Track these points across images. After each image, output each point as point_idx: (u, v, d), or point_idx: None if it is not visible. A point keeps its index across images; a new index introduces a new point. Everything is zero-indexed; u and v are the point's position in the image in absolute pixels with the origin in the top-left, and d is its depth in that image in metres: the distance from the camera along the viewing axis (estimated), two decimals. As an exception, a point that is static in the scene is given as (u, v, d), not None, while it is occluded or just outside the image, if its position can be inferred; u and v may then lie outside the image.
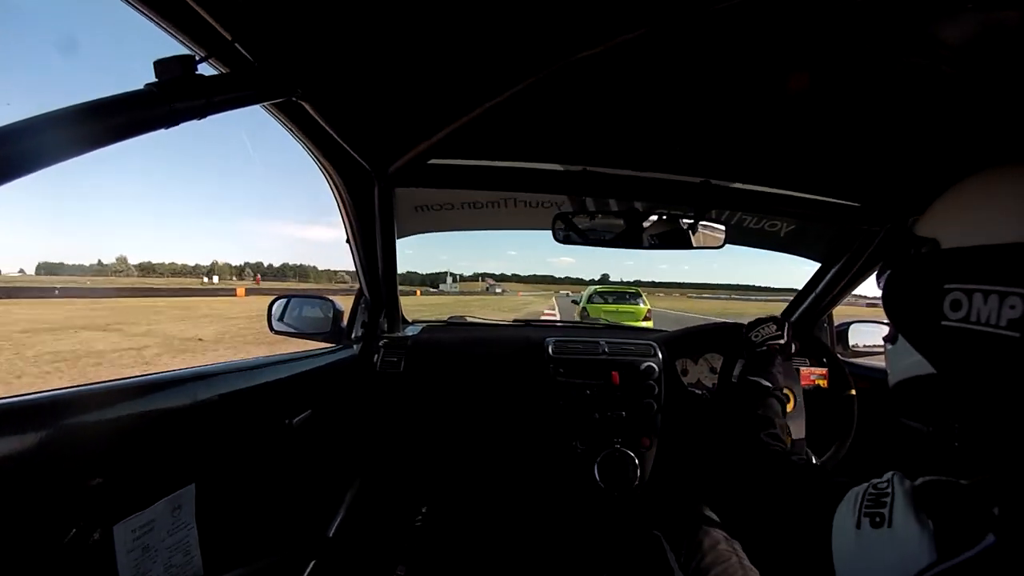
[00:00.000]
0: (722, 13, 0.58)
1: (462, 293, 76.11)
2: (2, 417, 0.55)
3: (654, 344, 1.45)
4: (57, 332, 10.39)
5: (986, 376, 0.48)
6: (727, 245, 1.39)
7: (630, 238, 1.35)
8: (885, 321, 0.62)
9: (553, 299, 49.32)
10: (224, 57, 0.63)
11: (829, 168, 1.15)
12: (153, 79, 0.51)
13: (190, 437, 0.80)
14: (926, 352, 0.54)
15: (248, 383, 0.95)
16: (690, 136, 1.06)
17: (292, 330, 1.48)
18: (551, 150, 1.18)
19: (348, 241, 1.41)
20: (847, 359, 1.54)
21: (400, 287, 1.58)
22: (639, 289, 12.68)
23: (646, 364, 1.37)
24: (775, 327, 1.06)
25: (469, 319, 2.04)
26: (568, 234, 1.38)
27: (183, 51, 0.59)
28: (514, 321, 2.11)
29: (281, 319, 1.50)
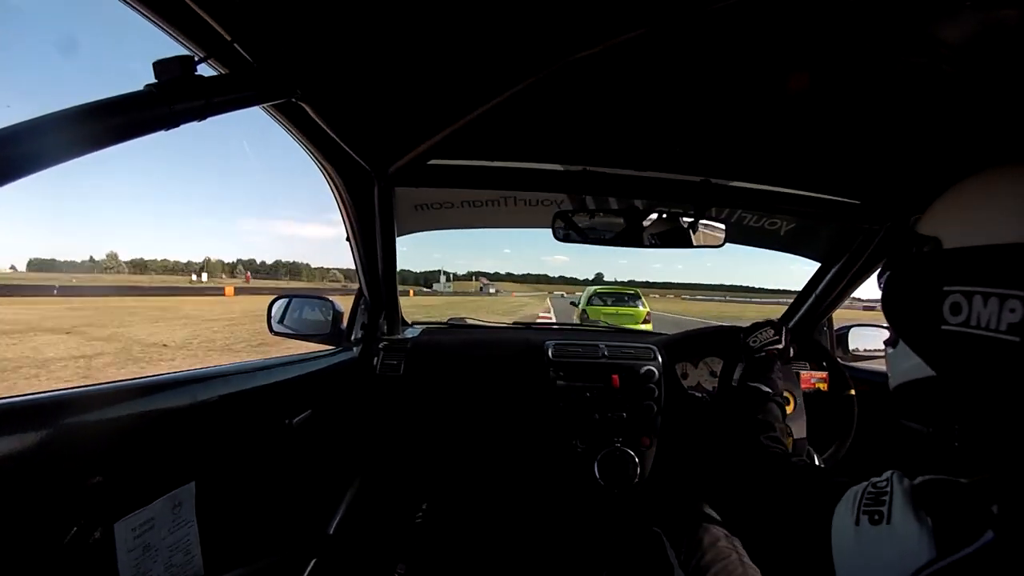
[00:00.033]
0: (721, 12, 0.58)
1: (455, 293, 74.77)
2: (3, 417, 0.55)
3: (654, 347, 1.45)
4: (14, 336, 9.69)
5: (987, 381, 0.48)
6: (724, 245, 1.39)
7: (630, 237, 1.35)
8: (885, 325, 0.62)
9: (548, 300, 48.78)
10: (223, 58, 0.63)
11: (829, 166, 1.15)
12: (152, 80, 0.51)
13: (190, 437, 0.80)
14: (927, 357, 0.54)
15: (248, 385, 0.96)
16: (690, 135, 1.06)
17: (292, 331, 1.48)
18: (551, 150, 1.19)
19: (348, 240, 1.41)
20: (847, 363, 1.54)
21: (395, 286, 1.58)
22: (638, 291, 12.64)
23: (646, 367, 1.38)
24: (773, 332, 1.06)
25: (469, 321, 2.04)
26: (568, 232, 1.38)
27: (182, 51, 0.60)
28: (514, 323, 2.11)
29: (281, 321, 1.49)
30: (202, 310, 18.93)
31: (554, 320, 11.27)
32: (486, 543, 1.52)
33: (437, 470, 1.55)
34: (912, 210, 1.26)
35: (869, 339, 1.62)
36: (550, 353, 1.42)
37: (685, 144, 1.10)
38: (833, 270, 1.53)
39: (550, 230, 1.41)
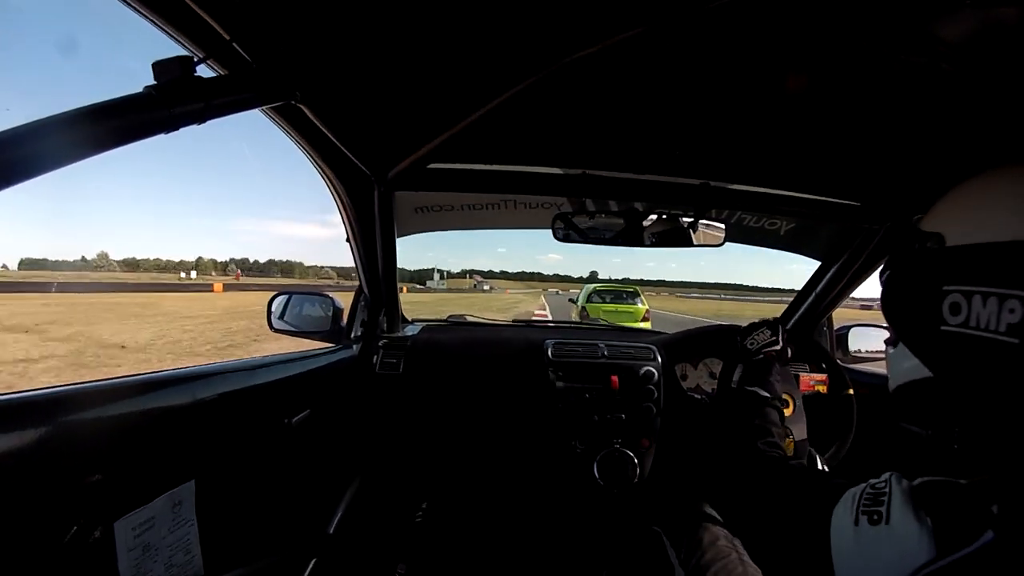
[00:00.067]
0: (718, 11, 0.58)
1: (449, 290, 74.21)
2: (2, 414, 0.55)
3: (653, 347, 1.45)
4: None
5: (986, 383, 0.47)
6: (724, 245, 1.39)
7: (630, 237, 1.35)
8: (885, 325, 0.61)
9: (542, 297, 48.44)
10: (222, 58, 0.63)
11: (828, 167, 1.15)
12: (151, 82, 0.51)
13: (189, 435, 0.80)
14: (925, 358, 0.53)
15: (247, 383, 0.96)
16: (689, 138, 1.06)
17: (292, 328, 1.48)
18: (550, 154, 1.19)
19: (348, 241, 1.41)
20: (847, 364, 1.54)
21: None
22: (637, 288, 12.63)
23: (645, 368, 1.38)
24: (769, 332, 1.06)
25: (469, 318, 2.04)
26: (568, 233, 1.38)
27: (181, 52, 0.59)
28: (514, 321, 2.11)
29: (281, 317, 1.49)
30: (182, 307, 18.53)
31: (550, 317, 11.27)
32: (486, 542, 1.52)
33: (437, 470, 1.55)
34: (912, 210, 1.25)
35: (869, 339, 1.62)
36: (550, 353, 1.42)
37: (684, 147, 1.10)
38: (833, 269, 1.53)
39: (547, 230, 1.41)
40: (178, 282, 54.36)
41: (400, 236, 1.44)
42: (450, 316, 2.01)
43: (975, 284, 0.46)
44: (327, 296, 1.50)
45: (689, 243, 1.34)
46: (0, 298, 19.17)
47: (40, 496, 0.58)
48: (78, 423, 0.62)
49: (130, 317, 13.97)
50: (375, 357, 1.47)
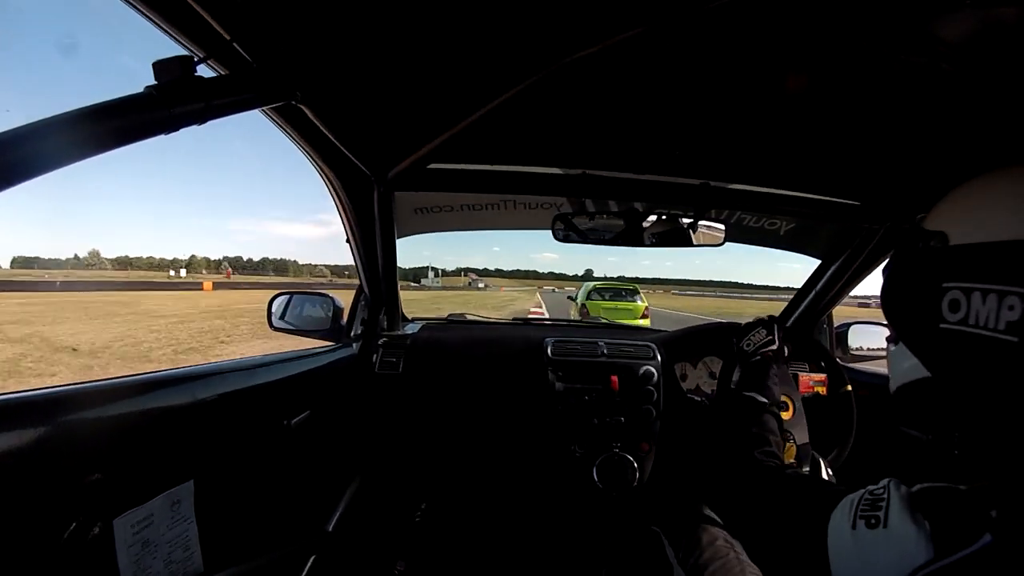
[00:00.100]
0: (719, 11, 0.58)
1: (444, 288, 73.45)
2: (2, 413, 0.56)
3: (653, 346, 1.45)
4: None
5: (985, 382, 0.47)
6: (724, 244, 1.39)
7: (630, 237, 1.35)
8: (885, 322, 0.61)
9: (538, 295, 47.90)
10: (223, 58, 0.63)
11: (828, 167, 1.15)
12: (152, 82, 0.51)
13: (189, 435, 0.81)
14: (923, 355, 0.53)
15: (247, 383, 0.96)
16: (689, 138, 1.06)
17: (292, 327, 1.49)
18: (550, 154, 1.19)
19: (348, 242, 1.41)
20: (847, 363, 1.54)
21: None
22: (636, 286, 12.69)
23: (645, 368, 1.37)
24: (765, 332, 1.05)
25: (469, 317, 2.04)
26: (568, 234, 1.38)
27: (181, 52, 0.60)
28: (514, 320, 2.11)
29: (282, 317, 1.50)
30: (161, 306, 17.98)
31: (547, 315, 11.33)
32: (485, 542, 1.53)
33: (436, 469, 1.55)
34: (912, 210, 1.25)
35: (869, 337, 1.61)
36: (549, 351, 1.42)
37: (684, 147, 1.10)
38: (833, 267, 1.53)
39: (542, 230, 1.41)
40: (167, 280, 53.22)
41: (400, 237, 1.44)
42: (450, 315, 2.01)
43: (975, 281, 0.46)
44: (327, 296, 1.51)
45: (689, 243, 1.34)
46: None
47: (40, 494, 0.59)
48: (78, 423, 0.62)
49: (102, 316, 13.52)
50: (375, 356, 1.47)
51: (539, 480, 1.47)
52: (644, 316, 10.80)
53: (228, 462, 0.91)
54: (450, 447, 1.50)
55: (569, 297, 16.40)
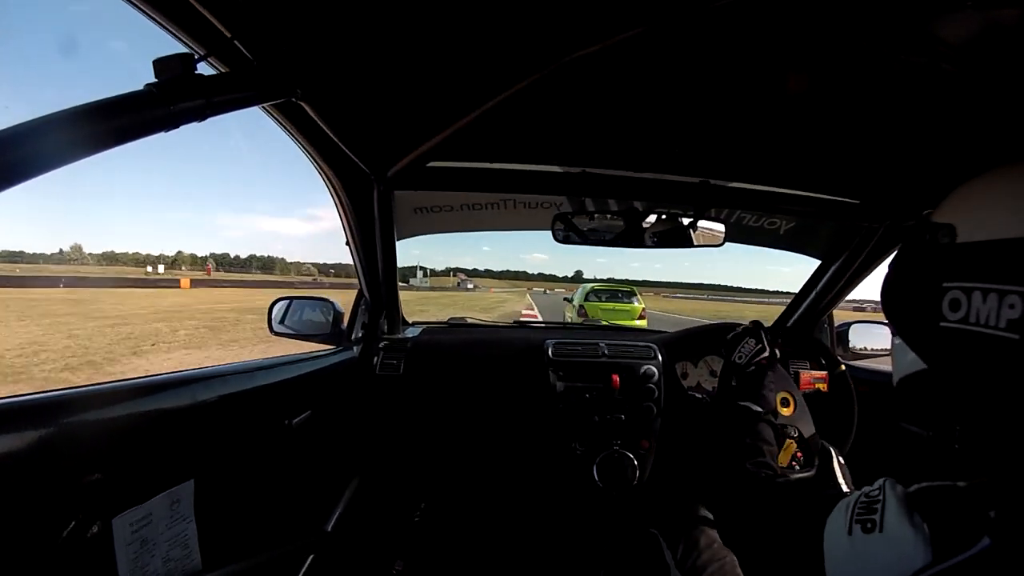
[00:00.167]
0: (720, 11, 0.58)
1: (432, 288, 72.61)
2: (3, 416, 0.56)
3: (654, 346, 1.45)
4: None
5: (985, 380, 0.47)
6: (724, 244, 1.39)
7: (630, 237, 1.35)
8: (886, 322, 0.61)
9: (528, 296, 47.45)
10: (223, 56, 0.63)
11: (828, 166, 1.15)
12: (152, 80, 0.51)
13: (189, 436, 0.81)
14: (925, 354, 0.53)
15: (248, 385, 0.96)
16: (688, 136, 1.06)
17: (292, 332, 1.49)
18: (550, 152, 1.19)
19: (348, 244, 1.41)
20: (848, 362, 1.54)
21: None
22: (634, 288, 12.80)
23: (645, 367, 1.37)
24: (754, 341, 1.05)
25: (469, 320, 2.05)
26: (568, 234, 1.38)
27: (182, 49, 0.60)
28: (514, 322, 2.12)
29: (282, 321, 1.50)
30: (117, 305, 16.77)
31: (540, 318, 11.35)
32: (484, 542, 1.52)
33: (436, 470, 1.55)
34: (911, 209, 1.26)
35: (870, 336, 1.61)
36: (550, 352, 1.42)
37: (684, 145, 1.10)
38: (833, 267, 1.53)
39: (542, 230, 1.41)
40: (144, 277, 51.02)
41: (400, 239, 1.44)
42: (451, 318, 2.02)
43: (975, 281, 0.46)
44: (327, 300, 1.51)
45: (690, 243, 1.34)
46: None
47: (40, 495, 0.59)
48: (80, 425, 0.63)
49: (35, 316, 12.36)
50: (375, 359, 1.47)
51: (539, 480, 1.47)
52: (641, 317, 10.98)
53: (228, 462, 0.90)
54: (450, 447, 1.50)
55: (565, 299, 16.39)
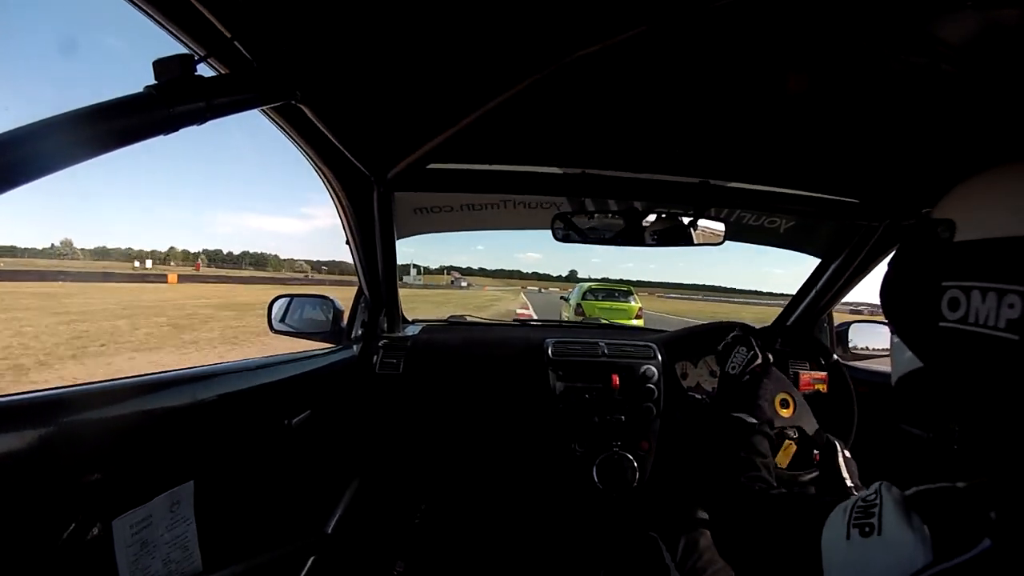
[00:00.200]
0: (720, 11, 0.58)
1: (425, 286, 72.11)
2: (3, 414, 0.55)
3: (654, 346, 1.45)
4: None
5: (984, 380, 0.47)
6: (724, 243, 1.39)
7: (630, 236, 1.35)
8: (886, 321, 0.61)
9: (522, 295, 47.12)
10: (223, 57, 0.63)
11: (828, 165, 1.15)
12: (152, 82, 0.51)
13: (189, 436, 0.80)
14: (923, 354, 0.53)
15: (247, 384, 0.96)
16: (688, 136, 1.06)
17: (292, 330, 1.49)
18: (550, 153, 1.18)
19: (348, 243, 1.41)
20: (847, 362, 1.54)
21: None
22: (631, 288, 12.86)
23: (645, 367, 1.38)
24: (746, 350, 1.02)
25: (469, 319, 2.05)
26: (568, 233, 1.38)
27: (181, 50, 0.59)
28: (514, 321, 2.12)
29: (282, 320, 1.50)
30: (89, 301, 16.17)
31: (535, 317, 11.38)
32: (485, 543, 1.52)
33: (436, 470, 1.55)
34: (911, 208, 1.26)
35: (870, 336, 1.61)
36: (550, 351, 1.42)
37: (684, 145, 1.10)
38: (833, 266, 1.53)
39: (541, 230, 1.41)
40: (131, 272, 50.14)
41: (399, 239, 1.44)
42: (451, 316, 2.02)
43: (974, 280, 0.46)
44: (327, 298, 1.51)
45: (690, 241, 1.35)
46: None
47: (40, 495, 0.59)
48: (79, 424, 0.62)
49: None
50: (375, 357, 1.47)
51: (539, 480, 1.47)
52: (638, 316, 11.09)
53: (228, 463, 0.90)
54: (450, 447, 1.50)
55: (561, 298, 16.40)
